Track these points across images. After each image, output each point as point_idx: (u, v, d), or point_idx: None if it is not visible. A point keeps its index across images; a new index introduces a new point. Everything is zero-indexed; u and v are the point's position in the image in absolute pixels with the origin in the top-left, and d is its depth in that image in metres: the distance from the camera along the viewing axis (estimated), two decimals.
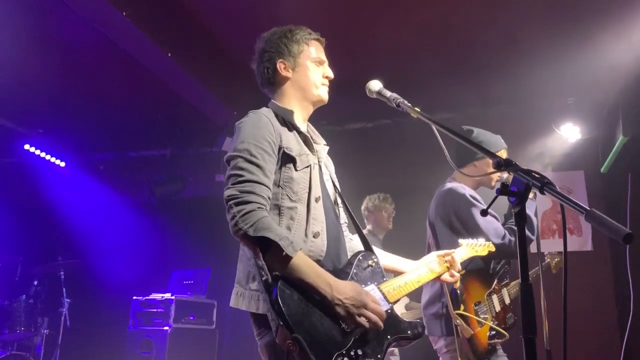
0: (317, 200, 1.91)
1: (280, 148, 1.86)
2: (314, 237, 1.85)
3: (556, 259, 3.75)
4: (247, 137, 1.82)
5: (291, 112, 2.00)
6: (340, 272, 1.84)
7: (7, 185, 6.62)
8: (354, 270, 1.88)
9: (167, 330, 5.20)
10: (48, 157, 6.56)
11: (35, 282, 5.40)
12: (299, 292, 1.66)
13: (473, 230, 2.74)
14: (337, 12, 4.34)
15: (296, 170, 1.87)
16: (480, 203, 2.85)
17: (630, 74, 4.12)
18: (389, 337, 1.79)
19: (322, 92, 2.08)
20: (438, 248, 2.86)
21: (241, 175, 1.74)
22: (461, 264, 2.26)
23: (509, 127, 5.18)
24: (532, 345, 1.17)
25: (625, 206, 4.68)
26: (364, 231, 4.41)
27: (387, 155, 5.83)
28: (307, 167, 1.92)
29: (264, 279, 1.68)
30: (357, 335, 1.69)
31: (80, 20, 4.25)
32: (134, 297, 5.56)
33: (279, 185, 1.84)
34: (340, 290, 1.68)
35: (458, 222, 2.83)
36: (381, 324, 1.72)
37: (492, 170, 2.89)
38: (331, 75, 2.12)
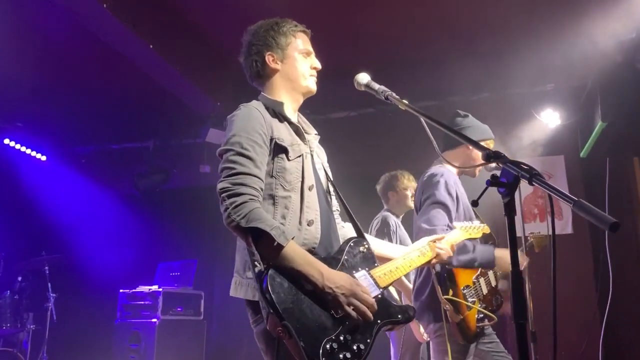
0: (310, 188, 1.94)
1: (272, 139, 1.89)
2: (308, 225, 1.88)
3: (539, 238, 3.76)
4: (239, 130, 1.85)
5: (281, 104, 2.03)
6: (332, 259, 1.87)
7: None
8: (345, 257, 1.91)
9: (155, 322, 5.21)
10: (28, 151, 6.47)
11: (20, 278, 5.37)
12: (289, 280, 1.70)
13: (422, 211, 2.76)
14: (321, 1, 4.35)
15: (289, 160, 1.91)
16: (453, 190, 2.85)
17: (608, 60, 4.20)
18: (379, 321, 1.82)
19: (311, 83, 2.11)
20: None
21: (233, 168, 1.77)
22: None
23: (490, 114, 5.22)
24: (523, 330, 1.21)
25: (604, 190, 4.79)
26: (383, 211, 4.39)
27: (371, 143, 5.87)
28: (299, 156, 1.95)
29: (257, 268, 1.72)
30: (347, 321, 1.73)
31: (60, 12, 4.19)
32: (121, 290, 5.56)
33: (272, 176, 1.87)
34: (331, 278, 1.72)
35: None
36: (370, 315, 1.75)
37: (480, 159, 2.95)
38: (319, 66, 2.15)
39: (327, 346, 1.64)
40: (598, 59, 4.31)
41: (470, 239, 2.53)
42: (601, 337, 4.71)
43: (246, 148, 1.80)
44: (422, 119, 1.84)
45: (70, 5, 4.08)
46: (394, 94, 1.95)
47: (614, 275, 4.61)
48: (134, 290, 5.51)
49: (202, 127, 5.76)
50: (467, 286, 2.76)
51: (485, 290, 2.82)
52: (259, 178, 1.80)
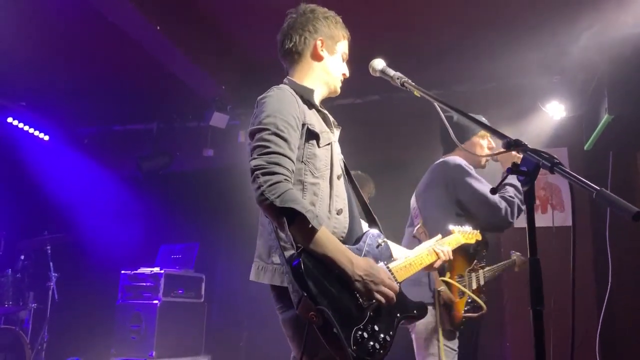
0: (339, 177, 1.94)
1: (304, 124, 1.88)
2: (337, 213, 1.88)
3: (522, 260, 3.67)
4: (273, 111, 1.82)
5: (312, 91, 2.02)
6: (355, 249, 1.87)
7: None
8: (366, 248, 1.91)
9: (156, 304, 5.23)
10: (32, 130, 6.45)
11: (22, 257, 5.37)
12: (320, 265, 1.68)
13: (471, 200, 2.79)
14: None
15: (319, 147, 1.90)
16: (474, 172, 2.89)
17: (616, 53, 4.18)
18: (398, 315, 1.84)
19: (339, 85, 2.14)
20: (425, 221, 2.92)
21: (268, 147, 1.74)
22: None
23: (495, 105, 5.25)
24: (540, 317, 1.23)
25: (607, 183, 4.80)
26: None
27: (376, 130, 5.86)
28: (328, 144, 1.94)
29: (286, 251, 1.71)
30: (371, 312, 1.73)
31: None
32: (123, 271, 5.57)
33: (302, 161, 1.86)
34: (360, 266, 1.71)
35: (454, 191, 2.84)
36: (395, 299, 1.76)
37: (486, 150, 2.99)
38: (348, 74, 2.17)
39: (357, 335, 1.64)
40: (606, 51, 4.29)
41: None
42: (598, 329, 4.75)
43: (281, 129, 1.78)
44: (437, 105, 1.84)
45: None
46: (409, 81, 1.94)
47: (613, 268, 4.64)
48: (135, 271, 5.53)
49: (207, 111, 5.76)
50: (461, 276, 2.78)
51: (474, 286, 2.84)
52: (292, 161, 1.78)
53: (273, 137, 1.77)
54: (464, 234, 2.52)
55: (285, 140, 1.77)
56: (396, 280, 1.91)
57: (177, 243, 6.04)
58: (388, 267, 1.92)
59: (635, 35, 4.03)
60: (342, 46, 2.14)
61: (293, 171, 1.78)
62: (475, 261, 2.89)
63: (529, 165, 1.29)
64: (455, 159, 2.96)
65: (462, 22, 4.73)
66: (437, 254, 2.21)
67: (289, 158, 1.77)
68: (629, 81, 4.10)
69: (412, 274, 2.74)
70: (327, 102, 2.19)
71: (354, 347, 1.61)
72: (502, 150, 1.40)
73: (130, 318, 5.30)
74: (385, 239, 2.02)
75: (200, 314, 5.68)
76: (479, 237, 2.63)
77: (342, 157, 2.14)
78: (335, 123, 2.12)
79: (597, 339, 4.72)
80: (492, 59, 5.05)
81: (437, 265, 2.23)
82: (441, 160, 3.02)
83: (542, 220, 5.33)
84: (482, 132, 3.05)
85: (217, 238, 6.24)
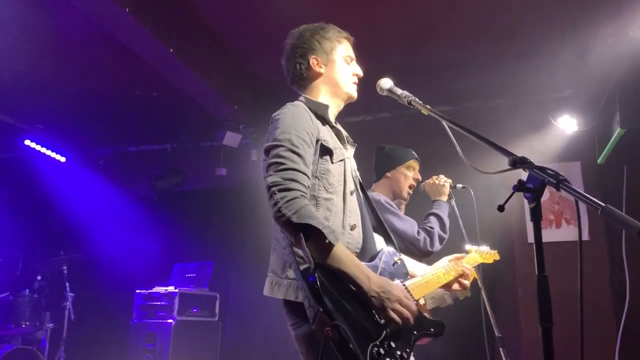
0: (352, 193, 1.95)
1: (318, 140, 1.90)
2: (351, 229, 1.88)
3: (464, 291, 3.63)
4: (288, 128, 1.84)
5: (326, 107, 2.04)
6: (371, 266, 1.86)
7: (8, 181, 6.60)
8: (382, 265, 1.90)
9: (171, 323, 5.25)
10: (48, 152, 6.54)
11: (39, 277, 5.43)
12: (336, 281, 1.67)
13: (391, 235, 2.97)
14: (336, 6, 4.38)
15: (332, 162, 1.92)
16: (394, 208, 3.09)
17: (627, 67, 4.18)
18: (415, 332, 1.82)
19: (352, 90, 2.14)
20: None
21: (283, 164, 1.76)
22: None
23: (506, 120, 5.25)
24: (549, 334, 1.23)
25: (621, 197, 4.76)
26: None
27: None
28: (341, 160, 1.96)
29: (302, 267, 1.70)
30: (388, 328, 1.71)
31: (81, 14, 4.24)
32: (137, 291, 5.61)
33: (315, 177, 1.87)
34: (377, 283, 1.70)
35: None
36: (412, 320, 1.74)
37: (411, 181, 3.25)
38: (360, 73, 2.16)
39: (374, 350, 1.62)
40: (617, 65, 4.29)
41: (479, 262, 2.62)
42: (617, 348, 4.67)
43: (296, 145, 1.80)
44: (445, 124, 1.85)
45: (92, 8, 4.13)
46: (416, 99, 1.96)
47: (630, 282, 4.58)
48: (150, 290, 5.57)
49: (219, 131, 5.82)
50: None
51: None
52: (308, 176, 1.79)
53: (288, 154, 1.78)
54: (481, 253, 2.52)
55: (300, 156, 1.79)
56: (412, 297, 1.88)
57: (191, 262, 6.07)
58: (404, 285, 1.91)
59: None
60: (342, 50, 2.14)
61: (308, 187, 1.79)
62: None
63: (535, 183, 1.30)
64: (375, 195, 3.11)
65: (472, 38, 4.76)
66: (461, 273, 2.22)
67: (304, 174, 1.77)
68: None
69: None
70: (337, 119, 2.21)
71: None
72: (509, 167, 1.40)
73: (145, 337, 5.32)
74: (401, 257, 2.01)
75: (214, 333, 5.69)
76: (497, 257, 2.65)
77: (358, 173, 2.15)
78: (350, 140, 2.13)
79: (617, 356, 4.64)
80: (503, 74, 5.07)
81: (455, 287, 2.22)
82: (378, 199, 3.16)
83: (557, 235, 5.28)
84: (409, 163, 3.26)
85: (230, 256, 6.26)
